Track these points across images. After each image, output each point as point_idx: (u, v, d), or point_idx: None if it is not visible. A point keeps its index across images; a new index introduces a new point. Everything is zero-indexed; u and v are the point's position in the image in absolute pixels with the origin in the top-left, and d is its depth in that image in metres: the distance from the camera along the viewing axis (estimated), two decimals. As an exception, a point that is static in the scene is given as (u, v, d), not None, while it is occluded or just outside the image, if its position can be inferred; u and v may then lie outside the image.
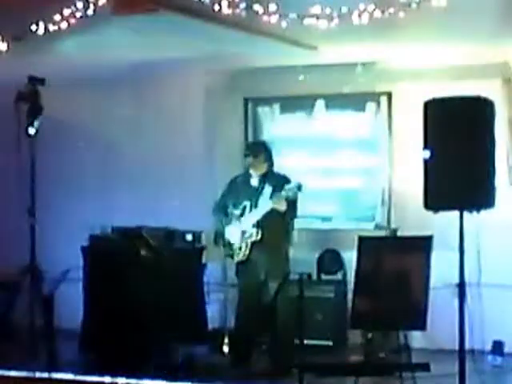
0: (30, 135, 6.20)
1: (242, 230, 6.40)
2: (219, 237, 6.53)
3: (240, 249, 6.40)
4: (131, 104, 8.31)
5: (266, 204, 6.31)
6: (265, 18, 5.81)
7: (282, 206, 6.23)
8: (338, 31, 5.92)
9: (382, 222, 7.54)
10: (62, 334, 6.26)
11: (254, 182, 6.51)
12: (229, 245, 6.47)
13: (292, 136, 7.91)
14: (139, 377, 5.70)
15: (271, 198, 6.29)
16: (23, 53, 6.61)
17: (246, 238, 6.37)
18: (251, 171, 6.51)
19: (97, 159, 8.41)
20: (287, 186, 6.21)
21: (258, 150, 6.57)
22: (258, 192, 6.42)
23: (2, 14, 5.79)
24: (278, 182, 6.37)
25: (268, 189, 6.37)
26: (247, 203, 6.43)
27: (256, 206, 6.38)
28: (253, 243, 6.35)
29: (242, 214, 6.44)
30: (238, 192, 6.56)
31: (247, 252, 6.37)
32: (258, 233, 6.33)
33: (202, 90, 8.10)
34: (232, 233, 6.46)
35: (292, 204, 6.29)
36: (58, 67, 6.98)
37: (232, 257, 6.48)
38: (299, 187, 6.19)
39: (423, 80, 7.22)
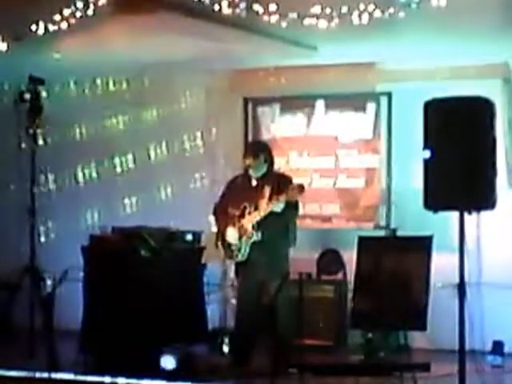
0: (30, 135, 6.20)
1: (241, 231, 6.39)
2: (219, 237, 6.52)
3: (240, 249, 6.39)
4: (131, 104, 8.31)
5: (265, 205, 6.30)
6: (265, 17, 5.82)
7: (279, 209, 6.22)
8: (338, 31, 5.93)
9: (381, 221, 7.54)
10: (62, 334, 6.26)
11: (254, 182, 6.49)
12: (229, 245, 6.46)
13: (292, 136, 7.90)
14: (139, 377, 5.70)
15: (270, 199, 6.28)
16: (23, 53, 6.62)
17: (245, 239, 6.37)
18: (251, 171, 6.49)
19: (97, 159, 8.41)
20: (289, 187, 6.19)
21: (258, 150, 6.54)
22: (257, 192, 6.40)
23: (1, 14, 5.80)
24: (278, 182, 6.35)
25: (268, 189, 6.36)
26: (247, 204, 6.41)
27: (256, 207, 6.36)
28: (252, 243, 6.34)
29: (241, 215, 6.43)
30: (237, 192, 6.55)
31: (247, 252, 6.36)
32: (257, 233, 6.33)
33: (202, 90, 8.10)
34: (232, 233, 6.45)
35: (293, 205, 6.28)
36: (58, 67, 6.99)
37: (232, 257, 6.48)
38: (301, 189, 6.17)
39: (423, 80, 7.23)
